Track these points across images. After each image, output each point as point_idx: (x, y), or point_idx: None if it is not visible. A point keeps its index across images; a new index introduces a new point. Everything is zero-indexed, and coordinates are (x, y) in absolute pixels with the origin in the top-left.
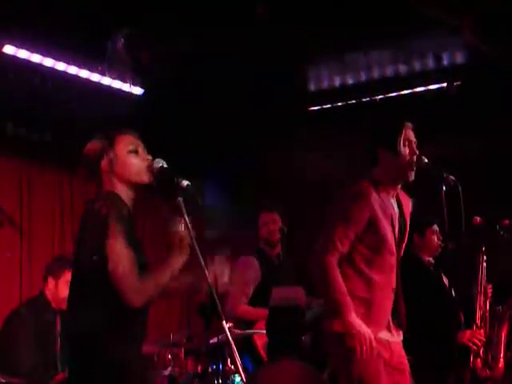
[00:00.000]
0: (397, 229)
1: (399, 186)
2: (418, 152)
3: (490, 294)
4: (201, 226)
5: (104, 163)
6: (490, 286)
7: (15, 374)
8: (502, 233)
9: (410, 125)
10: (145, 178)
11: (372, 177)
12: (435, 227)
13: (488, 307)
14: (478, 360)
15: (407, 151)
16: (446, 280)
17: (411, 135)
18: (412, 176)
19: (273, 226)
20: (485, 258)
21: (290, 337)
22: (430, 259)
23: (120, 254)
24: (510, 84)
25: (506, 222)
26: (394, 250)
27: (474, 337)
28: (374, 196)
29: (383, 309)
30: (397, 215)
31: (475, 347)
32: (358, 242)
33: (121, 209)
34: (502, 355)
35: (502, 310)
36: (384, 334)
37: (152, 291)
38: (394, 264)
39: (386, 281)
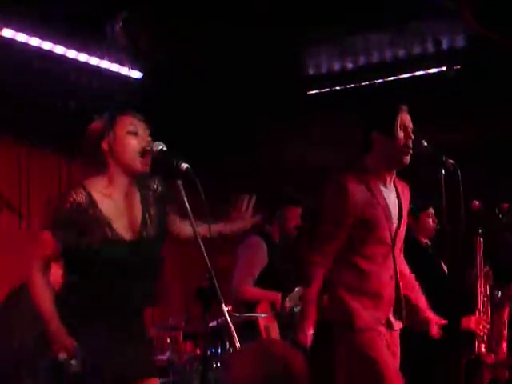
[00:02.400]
0: (392, 216)
1: (394, 172)
2: (413, 136)
3: (490, 278)
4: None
5: (104, 144)
6: (488, 269)
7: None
8: (501, 216)
9: (405, 109)
10: (138, 164)
11: (364, 163)
12: (430, 210)
13: (488, 291)
14: (482, 345)
15: (402, 135)
16: (443, 263)
17: (407, 119)
18: (407, 160)
19: (298, 222)
20: (482, 241)
21: None
22: (427, 241)
23: None
24: (509, 68)
25: (505, 205)
26: (388, 239)
27: (480, 322)
28: (357, 187)
29: (385, 297)
30: (393, 203)
31: (481, 333)
32: (347, 235)
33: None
34: (504, 340)
35: (501, 295)
36: (387, 322)
37: None
38: (389, 253)
39: (381, 270)
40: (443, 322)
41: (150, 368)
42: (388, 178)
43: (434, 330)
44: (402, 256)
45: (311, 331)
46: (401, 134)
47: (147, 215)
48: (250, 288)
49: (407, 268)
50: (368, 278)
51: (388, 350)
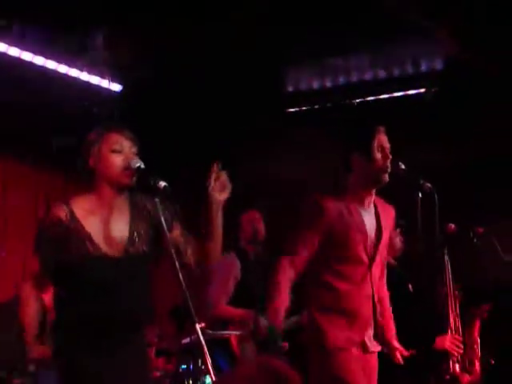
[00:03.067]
0: (370, 237)
1: (373, 193)
2: (390, 157)
3: (458, 297)
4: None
5: (91, 160)
6: (458, 288)
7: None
8: (475, 240)
9: (382, 129)
10: (124, 179)
11: (344, 184)
12: (397, 230)
13: (458, 310)
14: (456, 365)
15: (380, 156)
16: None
17: (384, 140)
18: (386, 179)
19: (259, 225)
20: (448, 260)
21: None
22: (394, 262)
23: None
24: (486, 90)
25: (480, 229)
26: (365, 258)
27: (454, 342)
28: (334, 206)
29: (362, 317)
30: (371, 223)
31: (456, 353)
32: (322, 255)
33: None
34: (477, 358)
35: (471, 313)
36: (364, 341)
37: None
38: (367, 272)
39: (357, 290)
40: (406, 353)
41: None
42: (367, 199)
43: (397, 359)
44: (383, 280)
45: (282, 312)
46: (378, 156)
47: (135, 232)
48: (225, 306)
49: (387, 296)
50: (344, 298)
51: (362, 372)
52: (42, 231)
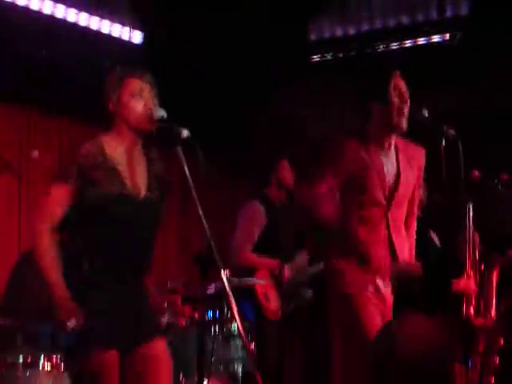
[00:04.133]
0: (388, 179)
1: (393, 138)
2: (408, 101)
3: (477, 243)
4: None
5: (111, 105)
6: (477, 235)
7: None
8: (500, 187)
9: (398, 74)
10: (144, 124)
11: (365, 133)
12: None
13: (477, 256)
14: (471, 308)
15: (397, 100)
16: (433, 235)
17: (401, 84)
18: (403, 124)
19: (287, 173)
20: (471, 207)
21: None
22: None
23: None
24: (511, 35)
25: (506, 176)
26: (382, 199)
27: (469, 284)
28: (355, 147)
29: (376, 261)
30: (391, 167)
31: (469, 295)
32: (340, 198)
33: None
34: (493, 303)
35: (492, 258)
36: (378, 286)
37: None
38: (383, 216)
39: (372, 233)
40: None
41: (158, 329)
42: (386, 144)
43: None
44: (411, 231)
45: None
46: (395, 100)
47: (153, 177)
48: (249, 254)
49: (412, 246)
50: (359, 241)
51: (376, 311)
52: (77, 164)
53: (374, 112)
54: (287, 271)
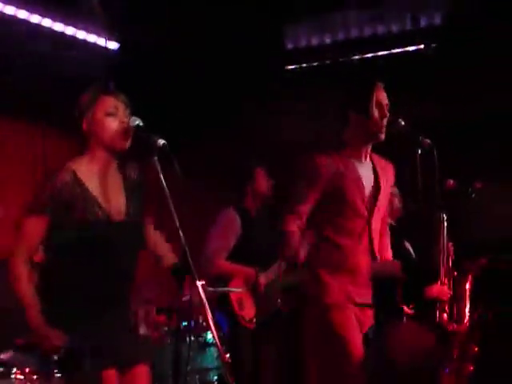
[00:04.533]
0: (367, 190)
1: (369, 147)
2: (388, 114)
3: (451, 252)
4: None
5: (84, 124)
6: (451, 244)
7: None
8: (473, 196)
9: (381, 86)
10: (118, 143)
11: (340, 139)
12: (395, 190)
13: (451, 264)
14: (444, 315)
15: (377, 113)
16: (407, 244)
17: (383, 97)
18: (382, 137)
19: (269, 182)
20: (445, 216)
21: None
22: (392, 222)
23: None
24: (485, 45)
25: (478, 184)
26: (363, 211)
27: (441, 290)
28: (330, 162)
29: (362, 272)
30: (369, 177)
31: (442, 302)
32: (322, 211)
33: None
34: (467, 310)
35: (465, 266)
36: (363, 298)
37: None
38: (365, 226)
39: (357, 244)
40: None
41: (149, 350)
42: (363, 153)
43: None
44: (386, 239)
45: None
46: (376, 113)
47: (130, 199)
48: (223, 262)
49: (389, 254)
50: (345, 253)
51: (359, 327)
52: (49, 194)
53: (352, 121)
54: (263, 279)
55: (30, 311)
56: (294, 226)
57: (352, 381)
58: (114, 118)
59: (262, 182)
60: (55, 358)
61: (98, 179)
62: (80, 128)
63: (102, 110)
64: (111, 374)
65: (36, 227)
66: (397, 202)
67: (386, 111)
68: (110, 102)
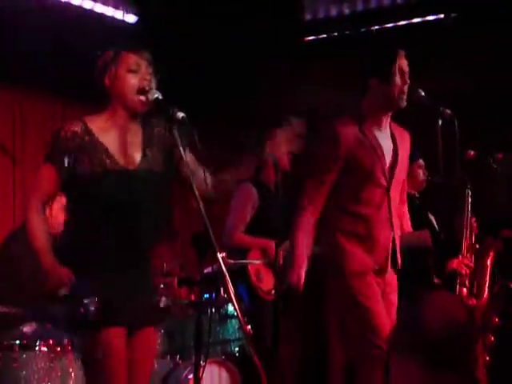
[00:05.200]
0: (387, 159)
1: (389, 115)
2: (408, 81)
3: (474, 227)
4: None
5: (106, 79)
6: (474, 220)
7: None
8: (495, 166)
9: (403, 54)
10: (136, 104)
11: (361, 108)
12: (420, 162)
13: (473, 239)
14: (464, 289)
15: (399, 81)
16: (431, 216)
17: (404, 64)
18: (403, 104)
19: (288, 154)
20: (469, 191)
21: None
22: (415, 193)
23: None
24: (505, 17)
25: (500, 155)
26: (383, 180)
27: (462, 264)
28: (350, 132)
29: (380, 242)
30: (389, 146)
31: (463, 273)
32: (342, 181)
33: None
34: (486, 285)
35: (487, 241)
36: (381, 267)
37: None
38: (385, 195)
39: (376, 213)
40: None
41: (160, 313)
42: (383, 122)
43: None
44: (404, 207)
45: (302, 272)
46: (398, 80)
47: (148, 153)
48: (241, 235)
49: (407, 220)
50: (363, 222)
51: (381, 294)
52: (56, 143)
53: (373, 88)
54: (282, 252)
55: (42, 253)
56: (308, 221)
57: (374, 349)
58: (135, 74)
59: (283, 154)
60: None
61: (114, 134)
62: (100, 85)
63: (124, 67)
64: (120, 332)
65: (49, 176)
66: (421, 173)
67: (407, 78)
68: (133, 59)
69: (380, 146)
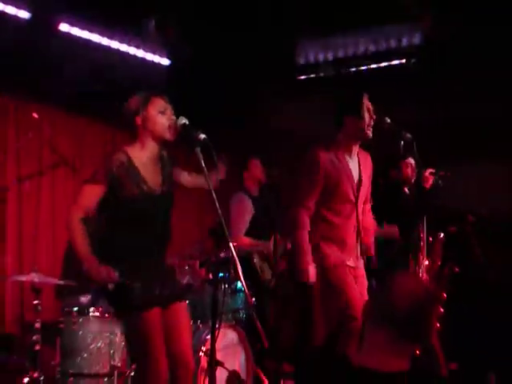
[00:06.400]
0: (355, 180)
1: (358, 145)
2: (374, 116)
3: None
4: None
5: (138, 119)
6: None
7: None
8: (439, 182)
9: (367, 95)
10: (168, 135)
11: (336, 139)
12: (408, 160)
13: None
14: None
15: (368, 117)
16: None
17: (369, 103)
18: (370, 135)
19: (259, 168)
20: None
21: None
22: (406, 189)
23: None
24: (455, 59)
25: (442, 173)
26: (352, 196)
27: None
28: (327, 157)
29: (349, 244)
30: (356, 170)
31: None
32: (320, 196)
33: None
34: (437, 267)
35: (437, 236)
36: (351, 262)
37: None
38: (353, 209)
39: (346, 222)
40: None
41: (183, 291)
42: (353, 150)
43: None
44: (368, 215)
45: (313, 267)
46: (366, 115)
47: (166, 177)
48: (245, 238)
49: (373, 223)
50: (336, 229)
51: (355, 281)
52: (106, 168)
53: (347, 123)
54: (270, 247)
55: (85, 258)
56: (306, 220)
57: (351, 321)
58: (163, 115)
59: (258, 171)
60: (110, 289)
61: (146, 162)
62: (131, 123)
63: (154, 109)
64: (157, 311)
65: (91, 193)
66: (410, 170)
67: (373, 114)
68: (161, 103)
69: (350, 170)
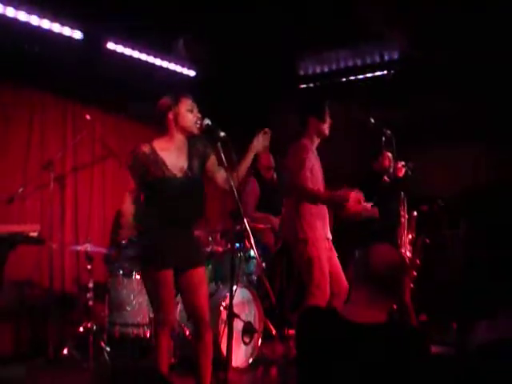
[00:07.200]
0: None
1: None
2: (331, 121)
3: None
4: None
5: (170, 115)
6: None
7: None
8: (409, 172)
9: (328, 102)
10: (195, 130)
11: (307, 134)
12: (387, 154)
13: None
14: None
15: (328, 120)
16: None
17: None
18: (327, 134)
19: (270, 160)
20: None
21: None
22: (386, 178)
23: None
24: (428, 71)
25: (411, 164)
26: (322, 181)
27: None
28: (311, 148)
29: (326, 219)
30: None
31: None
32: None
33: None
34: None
35: (412, 213)
36: (329, 235)
37: None
38: (326, 189)
39: (320, 205)
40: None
41: (200, 259)
42: (317, 145)
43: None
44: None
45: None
46: (328, 119)
47: (192, 164)
48: (256, 213)
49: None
50: (318, 207)
51: (329, 253)
52: (133, 161)
53: (311, 124)
54: (275, 220)
55: (125, 220)
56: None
57: (314, 289)
58: (191, 113)
59: (265, 162)
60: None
61: (171, 152)
62: (162, 118)
63: (184, 107)
64: (170, 272)
65: (132, 179)
66: (387, 162)
67: (330, 119)
68: (190, 102)
69: (319, 161)
